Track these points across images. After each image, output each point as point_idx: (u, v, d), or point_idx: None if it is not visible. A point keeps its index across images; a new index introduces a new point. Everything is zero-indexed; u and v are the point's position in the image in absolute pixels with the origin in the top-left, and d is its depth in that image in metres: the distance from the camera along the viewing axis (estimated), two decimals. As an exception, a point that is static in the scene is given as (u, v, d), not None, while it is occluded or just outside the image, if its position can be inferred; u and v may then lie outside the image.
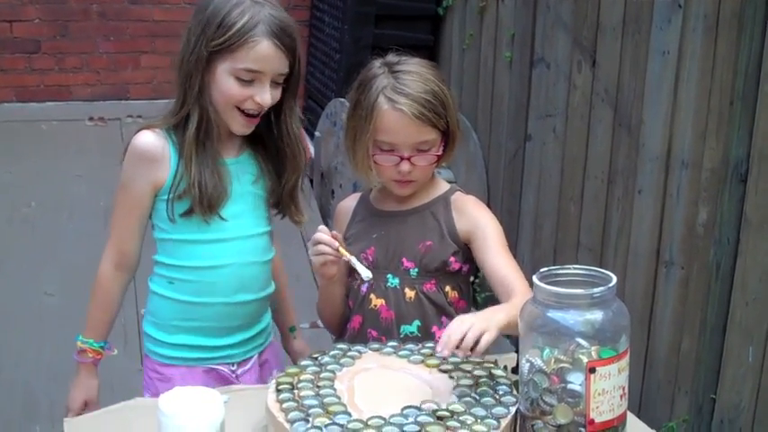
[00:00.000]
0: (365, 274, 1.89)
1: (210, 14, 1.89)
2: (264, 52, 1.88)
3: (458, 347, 1.61)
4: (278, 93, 1.95)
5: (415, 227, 1.99)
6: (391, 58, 1.98)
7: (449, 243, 1.96)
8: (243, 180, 2.03)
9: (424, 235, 1.98)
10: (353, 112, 1.98)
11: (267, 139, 2.05)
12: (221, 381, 2.02)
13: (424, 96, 1.90)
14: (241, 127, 1.97)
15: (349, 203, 2.15)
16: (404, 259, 1.98)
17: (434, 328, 1.97)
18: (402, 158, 1.92)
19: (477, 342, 1.61)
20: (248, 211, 2.04)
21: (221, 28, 1.87)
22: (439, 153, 1.95)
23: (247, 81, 1.90)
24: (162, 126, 1.97)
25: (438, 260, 1.96)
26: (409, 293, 1.97)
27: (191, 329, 2.03)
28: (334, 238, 1.92)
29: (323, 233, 1.93)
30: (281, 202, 2.09)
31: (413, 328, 1.97)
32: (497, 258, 1.91)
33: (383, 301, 1.98)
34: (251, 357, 2.11)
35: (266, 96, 1.91)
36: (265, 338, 2.16)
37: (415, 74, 1.93)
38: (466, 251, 1.98)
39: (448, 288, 1.99)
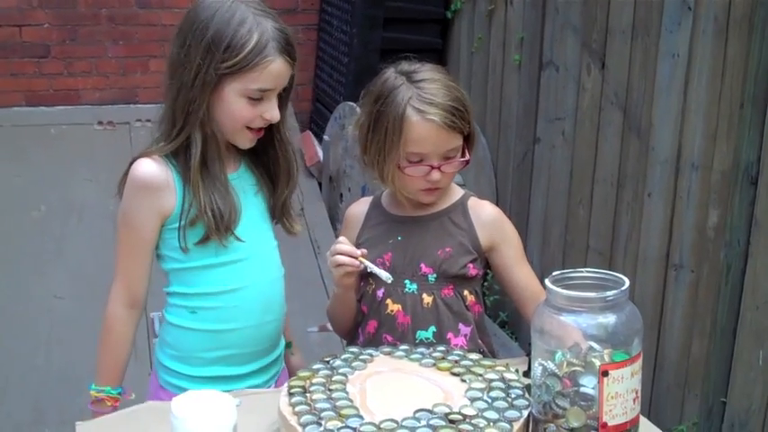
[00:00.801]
0: (385, 276, 1.90)
1: (215, 37, 1.79)
2: (278, 70, 1.84)
3: None
4: (279, 102, 1.91)
5: (435, 233, 1.99)
6: (405, 66, 1.97)
7: (468, 250, 1.97)
8: (247, 193, 1.98)
9: (444, 241, 1.98)
10: (376, 126, 1.93)
11: (262, 149, 1.99)
12: None
13: (450, 104, 1.89)
14: (249, 142, 1.92)
15: (360, 208, 2.13)
16: (422, 264, 1.97)
17: (450, 335, 1.96)
18: (432, 168, 1.92)
19: None
20: (258, 225, 2.00)
21: (230, 50, 1.79)
22: (467, 158, 1.96)
23: (257, 99, 1.84)
24: (163, 152, 1.87)
25: (457, 266, 1.96)
26: (427, 299, 1.97)
27: (217, 359, 1.96)
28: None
29: (343, 244, 1.92)
30: (275, 211, 2.04)
31: (428, 333, 1.96)
32: (524, 270, 1.98)
33: (400, 307, 1.97)
34: (270, 387, 2.03)
35: (275, 112, 1.87)
36: (281, 364, 2.11)
37: (436, 81, 1.92)
38: (483, 258, 1.99)
39: (465, 293, 1.99)
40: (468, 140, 1.98)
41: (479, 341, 2.01)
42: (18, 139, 4.86)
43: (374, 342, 1.98)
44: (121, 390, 1.97)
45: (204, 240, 1.88)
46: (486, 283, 3.60)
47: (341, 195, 4.70)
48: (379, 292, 2.00)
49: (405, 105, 1.89)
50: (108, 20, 5.34)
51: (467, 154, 1.98)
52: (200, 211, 1.85)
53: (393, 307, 1.98)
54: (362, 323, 2.05)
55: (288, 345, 2.19)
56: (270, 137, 1.97)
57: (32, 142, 4.88)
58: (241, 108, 1.84)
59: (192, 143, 1.84)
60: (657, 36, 3.15)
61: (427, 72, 1.94)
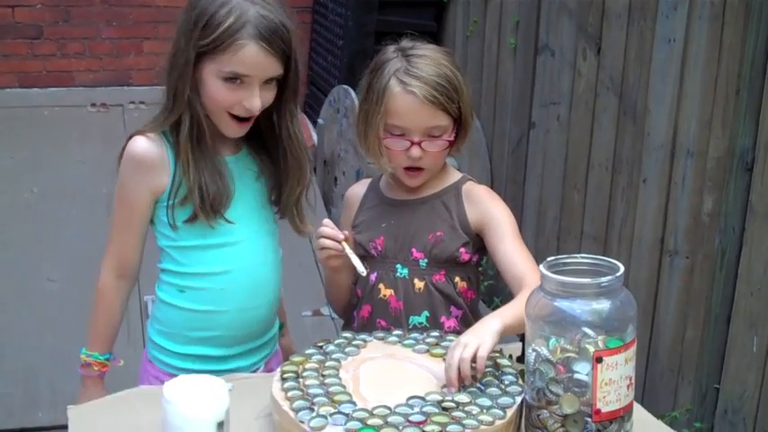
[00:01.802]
0: (360, 268, 1.90)
1: (198, 13, 1.80)
2: (251, 56, 1.79)
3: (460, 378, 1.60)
4: (270, 95, 1.86)
5: (426, 217, 1.97)
6: (405, 43, 1.96)
7: (459, 234, 1.94)
8: (245, 178, 1.96)
9: (435, 225, 1.96)
10: (366, 96, 1.95)
11: (269, 140, 1.98)
12: None
13: (436, 80, 1.87)
14: (232, 131, 1.90)
15: (359, 189, 2.13)
16: (413, 249, 1.96)
17: (443, 318, 1.96)
18: (413, 143, 1.90)
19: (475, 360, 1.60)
20: (254, 210, 1.99)
21: (207, 28, 1.78)
22: (450, 139, 1.92)
23: (235, 84, 1.82)
24: (155, 130, 1.89)
25: (448, 251, 1.94)
26: (418, 284, 1.96)
27: (203, 339, 1.97)
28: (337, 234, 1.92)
29: (327, 227, 1.93)
30: (284, 209, 2.03)
31: (422, 318, 1.95)
32: (509, 249, 1.89)
33: (392, 292, 1.97)
34: (258, 369, 2.04)
35: (255, 101, 1.83)
36: (272, 347, 2.11)
37: (428, 57, 1.90)
38: (477, 241, 1.96)
39: (457, 279, 1.97)
40: (459, 125, 1.95)
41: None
42: (11, 120, 4.83)
43: (368, 327, 1.97)
44: (110, 356, 2.01)
45: (192, 219, 1.89)
46: (480, 268, 3.59)
47: (335, 179, 4.69)
48: (373, 276, 1.99)
49: (390, 76, 1.89)
50: (101, 1, 5.31)
51: (455, 137, 1.96)
52: (189, 190, 1.86)
53: (386, 292, 1.97)
54: (357, 307, 2.04)
55: (280, 326, 2.20)
56: (274, 132, 1.96)
57: (25, 124, 4.85)
58: (217, 90, 1.82)
59: (181, 121, 1.85)
60: (653, 21, 3.14)
61: (424, 50, 1.93)
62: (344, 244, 1.91)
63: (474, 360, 1.58)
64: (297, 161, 1.97)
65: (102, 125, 4.83)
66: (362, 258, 1.94)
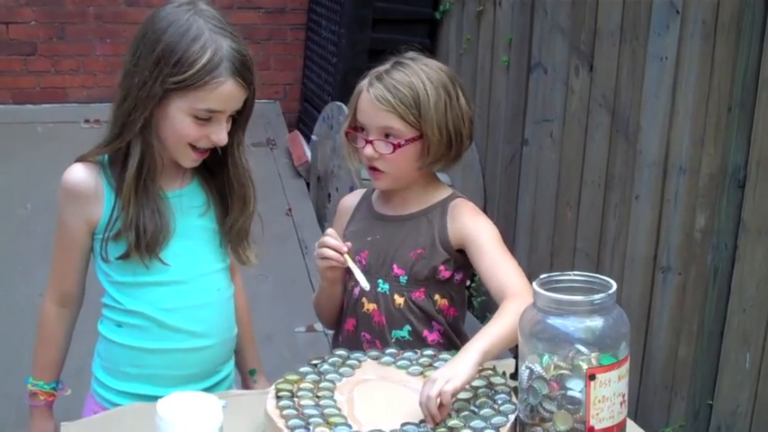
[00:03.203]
0: (364, 284, 1.89)
1: (165, 49, 1.71)
2: (228, 92, 1.74)
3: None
4: (230, 124, 1.81)
5: (409, 234, 1.97)
6: (410, 54, 2.00)
7: (439, 251, 1.94)
8: (188, 214, 1.88)
9: (417, 242, 1.96)
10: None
11: (215, 169, 1.90)
12: None
13: (395, 84, 1.90)
14: (190, 162, 1.83)
15: (352, 200, 2.14)
16: (394, 266, 1.96)
17: (425, 332, 1.96)
18: (366, 141, 1.93)
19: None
20: (198, 248, 1.90)
21: (180, 65, 1.70)
22: (395, 143, 1.90)
23: (204, 119, 1.75)
24: (95, 156, 1.83)
25: (427, 268, 1.94)
26: (398, 300, 1.96)
27: (141, 377, 1.88)
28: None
29: (331, 237, 1.93)
30: (229, 238, 1.94)
31: (404, 332, 1.95)
32: (489, 261, 1.87)
33: (375, 306, 1.97)
34: None
35: (222, 135, 1.78)
36: (222, 390, 1.98)
37: (408, 67, 1.93)
38: (458, 259, 1.95)
39: (437, 296, 1.97)
40: (422, 137, 1.92)
41: (456, 339, 2.00)
42: (4, 136, 4.84)
43: (353, 340, 1.98)
44: (56, 385, 1.97)
45: (124, 257, 1.82)
46: (473, 284, 3.60)
47: (329, 195, 4.69)
48: (356, 290, 1.99)
49: (367, 77, 1.96)
50: (95, 18, 5.33)
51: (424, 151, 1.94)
52: (125, 226, 1.79)
53: (369, 306, 1.98)
54: (342, 320, 2.05)
55: (251, 371, 2.12)
56: (224, 159, 1.89)
57: (19, 140, 4.86)
58: (186, 126, 1.75)
59: (130, 154, 1.77)
60: (646, 39, 3.16)
61: (416, 62, 1.96)
62: (347, 257, 1.92)
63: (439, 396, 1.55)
64: (242, 189, 1.91)
65: (96, 141, 4.82)
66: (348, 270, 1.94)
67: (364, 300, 1.98)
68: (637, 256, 3.26)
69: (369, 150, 1.93)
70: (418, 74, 1.92)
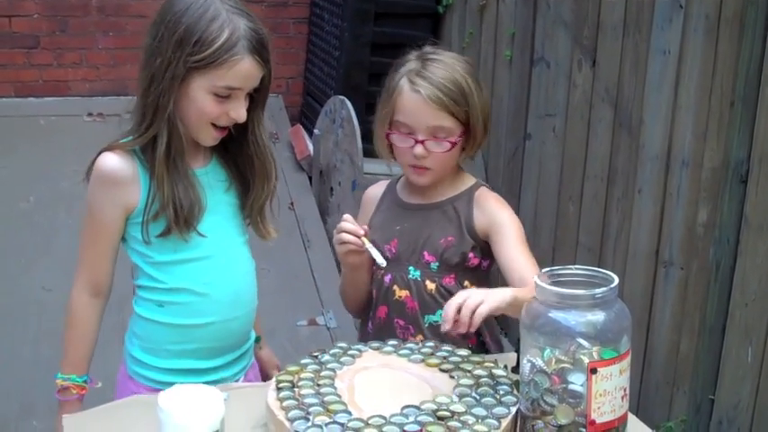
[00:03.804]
0: (380, 259, 1.94)
1: (186, 32, 1.77)
2: (246, 69, 1.81)
3: (456, 321, 1.63)
4: (247, 105, 1.87)
5: (438, 222, 2.02)
6: (429, 48, 2.03)
7: (467, 239, 1.99)
8: (215, 189, 1.95)
9: (446, 230, 2.00)
10: (383, 93, 2.01)
11: (235, 148, 1.97)
12: None
13: (443, 82, 1.92)
14: (212, 140, 1.90)
15: (376, 190, 2.17)
16: (425, 253, 2.00)
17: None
18: (416, 141, 1.94)
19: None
20: (226, 221, 1.97)
21: (199, 44, 1.77)
22: (452, 141, 1.95)
23: (224, 97, 1.82)
24: (126, 148, 1.87)
25: (457, 255, 1.98)
26: (430, 285, 2.00)
27: (184, 352, 1.95)
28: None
29: (348, 222, 1.96)
30: (251, 215, 2.01)
31: (437, 317, 1.98)
32: (511, 253, 1.93)
33: (407, 293, 2.01)
34: (238, 380, 2.03)
35: (242, 112, 1.84)
36: (250, 357, 2.10)
37: (443, 62, 1.96)
38: (485, 247, 2.00)
39: (467, 283, 2.00)
40: (468, 131, 1.98)
41: (485, 331, 2.02)
42: (7, 130, 4.84)
43: (385, 327, 2.02)
44: (87, 378, 1.98)
45: (165, 233, 1.86)
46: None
47: (331, 189, 4.69)
48: (386, 279, 2.03)
49: (402, 76, 1.96)
50: (98, 11, 5.32)
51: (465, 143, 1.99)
52: (162, 205, 1.84)
53: (401, 293, 2.02)
54: (373, 308, 2.08)
55: (257, 339, 2.17)
56: (243, 138, 1.95)
57: (21, 133, 4.86)
58: (207, 104, 1.82)
59: (158, 136, 1.83)
60: (648, 33, 3.15)
61: (442, 56, 1.99)
62: (364, 239, 1.95)
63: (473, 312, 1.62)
64: (263, 167, 1.97)
65: (99, 135, 4.75)
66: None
67: (396, 287, 2.02)
68: (639, 250, 3.26)
69: (420, 150, 1.95)
70: (454, 68, 1.96)
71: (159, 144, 1.83)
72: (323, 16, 5.27)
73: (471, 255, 1.99)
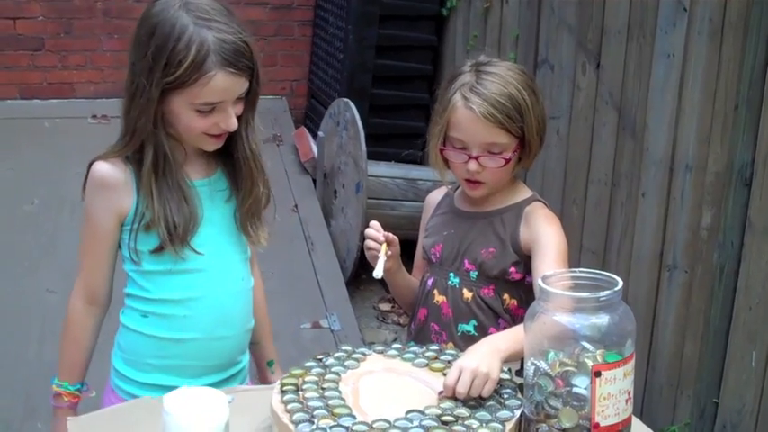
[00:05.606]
0: (376, 271, 1.97)
1: (155, 53, 1.72)
2: (221, 84, 1.74)
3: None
4: (240, 107, 1.82)
5: (482, 232, 2.01)
6: (483, 57, 2.01)
7: (510, 253, 1.97)
8: (215, 201, 1.91)
9: (488, 241, 1.99)
10: (437, 106, 2.00)
11: (227, 152, 1.92)
12: None
13: (497, 98, 1.90)
14: (212, 146, 1.85)
15: (436, 196, 2.19)
16: (466, 260, 2.01)
17: (491, 329, 1.97)
18: (470, 157, 1.94)
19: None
20: (221, 235, 1.92)
21: (168, 66, 1.71)
22: (507, 157, 1.94)
23: (208, 111, 1.77)
24: (115, 158, 1.84)
25: (497, 268, 1.97)
26: (467, 294, 2.01)
27: (166, 368, 1.90)
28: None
29: (372, 228, 2.00)
30: (240, 220, 1.95)
31: (469, 327, 1.99)
32: (545, 271, 1.90)
33: (444, 298, 2.02)
34: None
35: (231, 121, 1.80)
36: (241, 381, 2.02)
37: (497, 75, 1.93)
38: (529, 262, 1.97)
39: (506, 296, 2.00)
40: (523, 144, 1.96)
41: None
42: (11, 132, 4.85)
43: (423, 330, 2.04)
44: (81, 386, 1.96)
45: (158, 251, 1.84)
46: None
47: (335, 192, 4.69)
48: (429, 282, 2.05)
49: (456, 90, 1.93)
50: (103, 13, 5.33)
51: (518, 155, 1.98)
52: (153, 220, 1.81)
53: (439, 298, 2.03)
54: (417, 308, 2.10)
55: (269, 362, 2.14)
56: (234, 141, 1.90)
57: (26, 135, 4.86)
58: (192, 120, 1.78)
59: (144, 152, 1.80)
60: (653, 36, 3.15)
61: (497, 67, 1.96)
62: (383, 246, 1.98)
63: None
64: (249, 172, 1.91)
65: (103, 137, 4.75)
66: (428, 261, 2.05)
67: (435, 291, 2.04)
68: (643, 253, 3.25)
69: (474, 166, 1.94)
70: (509, 81, 1.93)
71: (145, 159, 1.80)
72: (327, 19, 5.27)
73: (513, 269, 1.97)
